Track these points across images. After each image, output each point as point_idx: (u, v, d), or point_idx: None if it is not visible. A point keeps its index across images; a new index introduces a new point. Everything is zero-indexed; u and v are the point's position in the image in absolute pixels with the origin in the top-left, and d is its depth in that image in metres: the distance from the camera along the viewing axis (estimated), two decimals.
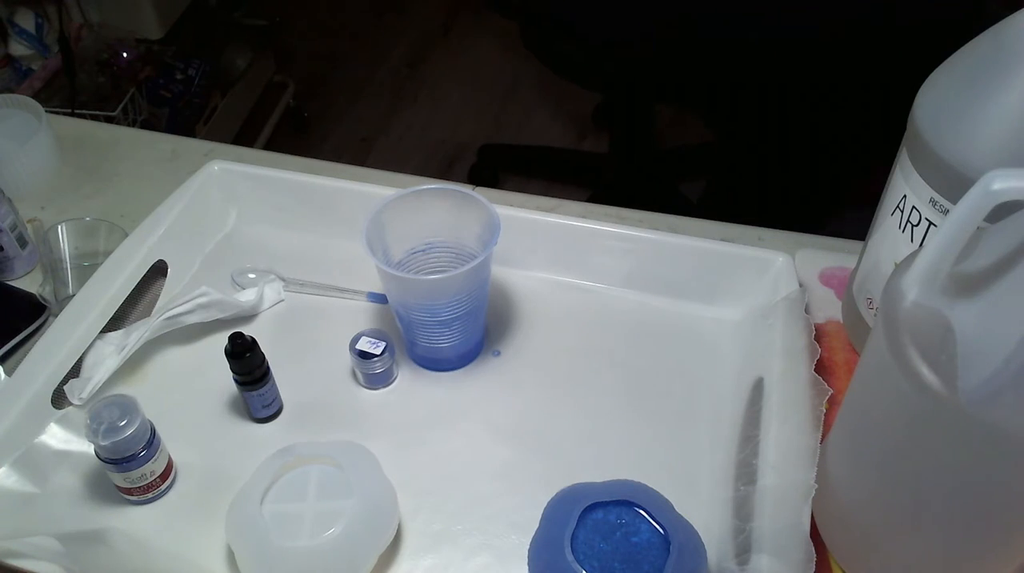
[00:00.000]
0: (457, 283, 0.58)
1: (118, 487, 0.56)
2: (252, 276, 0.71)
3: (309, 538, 0.50)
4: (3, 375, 0.62)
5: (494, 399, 0.63)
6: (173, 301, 0.66)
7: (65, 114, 1.33)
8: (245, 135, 1.87)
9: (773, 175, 1.00)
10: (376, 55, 2.23)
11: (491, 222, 0.60)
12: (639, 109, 1.34)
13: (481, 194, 0.61)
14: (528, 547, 0.52)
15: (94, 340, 0.63)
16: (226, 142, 0.88)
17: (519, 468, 0.59)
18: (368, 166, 0.81)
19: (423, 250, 0.65)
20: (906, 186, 0.53)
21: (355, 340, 0.62)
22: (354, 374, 0.64)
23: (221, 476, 0.58)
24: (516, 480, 0.58)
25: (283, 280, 0.71)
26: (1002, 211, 0.38)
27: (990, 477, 0.41)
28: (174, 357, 0.66)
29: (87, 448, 0.58)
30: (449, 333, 0.62)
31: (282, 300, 0.70)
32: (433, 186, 0.62)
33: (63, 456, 0.59)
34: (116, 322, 0.66)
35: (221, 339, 0.61)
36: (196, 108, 1.72)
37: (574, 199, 0.77)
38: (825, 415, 0.54)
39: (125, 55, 1.61)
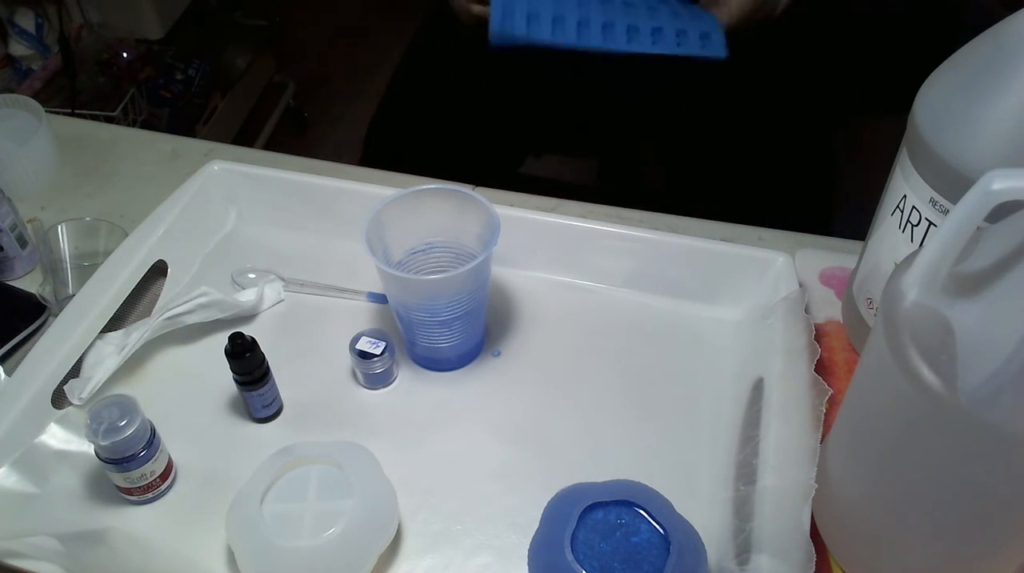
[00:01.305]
0: (457, 283, 0.58)
1: (118, 487, 0.56)
2: (252, 276, 0.72)
3: (309, 538, 0.50)
4: (3, 375, 0.62)
5: (494, 399, 0.63)
6: (173, 301, 0.66)
7: (65, 114, 1.33)
8: (245, 135, 1.87)
9: (773, 174, 1.00)
10: (376, 55, 2.23)
11: (491, 222, 0.60)
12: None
13: (481, 194, 0.61)
14: (528, 547, 0.52)
15: (94, 340, 0.63)
16: (226, 142, 0.88)
17: (519, 468, 0.59)
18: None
19: (423, 250, 0.65)
20: (906, 186, 0.53)
21: (355, 340, 0.62)
22: (354, 374, 0.64)
23: (221, 476, 0.58)
24: (516, 480, 0.58)
25: (283, 280, 0.71)
26: (1002, 211, 0.38)
27: (990, 477, 0.41)
28: (174, 357, 0.66)
29: (87, 448, 0.58)
30: (449, 333, 0.62)
31: (282, 300, 0.70)
32: (433, 186, 0.62)
33: (63, 456, 0.59)
34: (116, 322, 0.66)
35: (221, 339, 0.61)
36: (196, 108, 1.72)
37: (574, 199, 0.77)
38: (825, 415, 0.54)
39: (125, 55, 1.61)
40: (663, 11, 0.82)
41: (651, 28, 0.80)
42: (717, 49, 0.80)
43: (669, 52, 0.79)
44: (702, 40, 0.80)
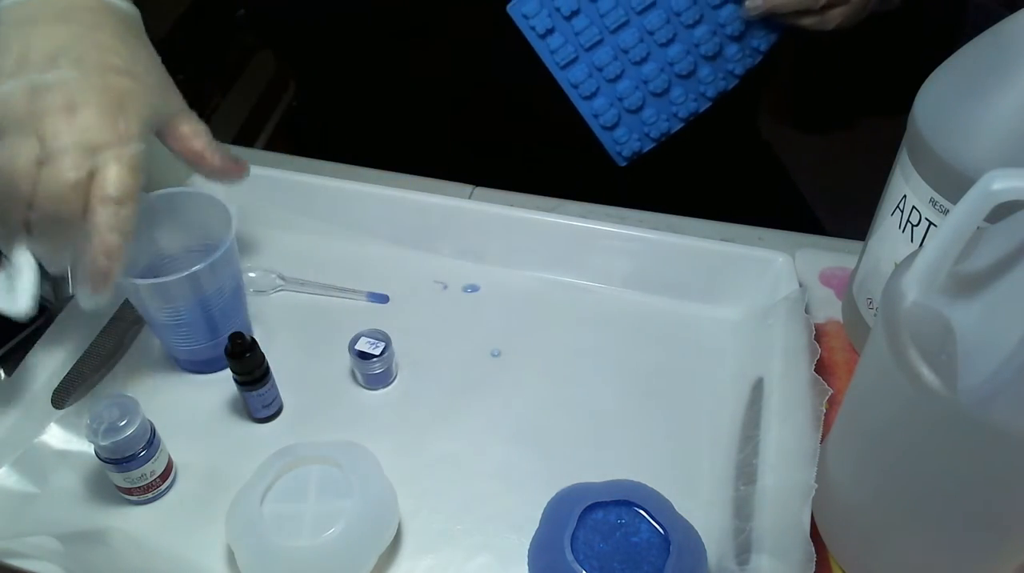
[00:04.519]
0: (166, 289, 0.57)
1: (118, 487, 0.56)
2: (252, 275, 0.72)
3: (309, 538, 0.50)
4: (3, 375, 0.62)
5: (494, 399, 0.63)
6: None
7: None
8: (245, 135, 1.87)
9: (773, 173, 1.00)
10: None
11: (223, 216, 0.60)
12: None
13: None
14: (528, 547, 0.52)
15: None
16: (226, 142, 0.88)
17: (519, 468, 0.59)
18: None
19: (199, 250, 0.63)
20: (906, 186, 0.53)
21: (355, 340, 0.62)
22: (354, 374, 0.64)
23: (221, 476, 0.58)
24: (516, 480, 0.58)
25: (284, 280, 0.71)
26: (1002, 211, 0.38)
27: (990, 477, 0.41)
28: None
29: (87, 448, 0.58)
30: (193, 334, 0.61)
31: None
32: (164, 191, 0.63)
33: (63, 456, 0.59)
34: (116, 322, 0.66)
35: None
36: (196, 108, 1.72)
37: (574, 199, 0.77)
38: (825, 415, 0.54)
39: None
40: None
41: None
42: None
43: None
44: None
